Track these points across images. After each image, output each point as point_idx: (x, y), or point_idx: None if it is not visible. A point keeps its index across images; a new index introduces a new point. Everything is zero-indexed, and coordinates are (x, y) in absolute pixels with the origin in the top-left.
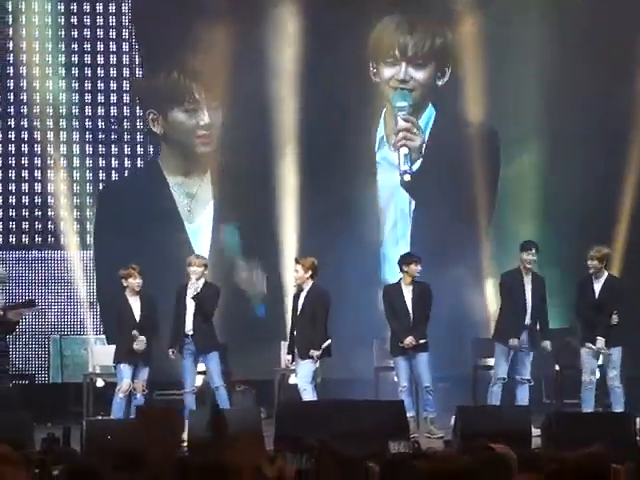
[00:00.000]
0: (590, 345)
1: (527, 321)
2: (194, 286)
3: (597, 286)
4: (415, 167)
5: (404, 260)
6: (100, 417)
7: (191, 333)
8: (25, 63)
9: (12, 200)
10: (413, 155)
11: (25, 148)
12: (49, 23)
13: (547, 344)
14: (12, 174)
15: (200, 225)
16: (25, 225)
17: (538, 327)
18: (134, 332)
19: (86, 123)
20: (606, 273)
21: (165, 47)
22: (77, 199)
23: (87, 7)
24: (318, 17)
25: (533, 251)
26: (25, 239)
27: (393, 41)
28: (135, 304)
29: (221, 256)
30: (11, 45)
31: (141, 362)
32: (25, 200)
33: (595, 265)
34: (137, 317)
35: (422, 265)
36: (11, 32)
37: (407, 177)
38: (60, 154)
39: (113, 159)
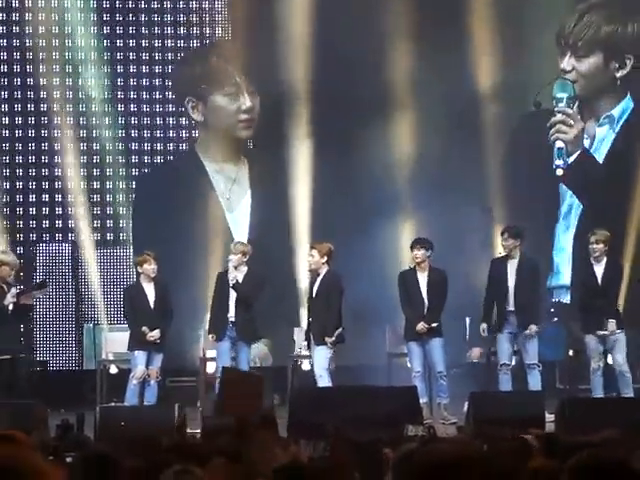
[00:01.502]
0: (599, 332)
1: (510, 306)
2: (232, 274)
3: (599, 270)
4: (571, 160)
5: (410, 245)
6: (114, 404)
7: (233, 320)
8: (54, 46)
9: (43, 197)
10: (569, 148)
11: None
12: (81, 6)
13: (532, 328)
14: (45, 172)
15: (240, 212)
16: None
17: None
18: (144, 328)
19: (119, 108)
20: (605, 258)
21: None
22: (110, 184)
23: None
24: None
25: (505, 236)
26: (49, 234)
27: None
28: (150, 290)
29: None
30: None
31: (155, 349)
32: (46, 197)
33: (600, 249)
34: (152, 304)
35: (432, 250)
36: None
37: (559, 171)
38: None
39: (146, 144)
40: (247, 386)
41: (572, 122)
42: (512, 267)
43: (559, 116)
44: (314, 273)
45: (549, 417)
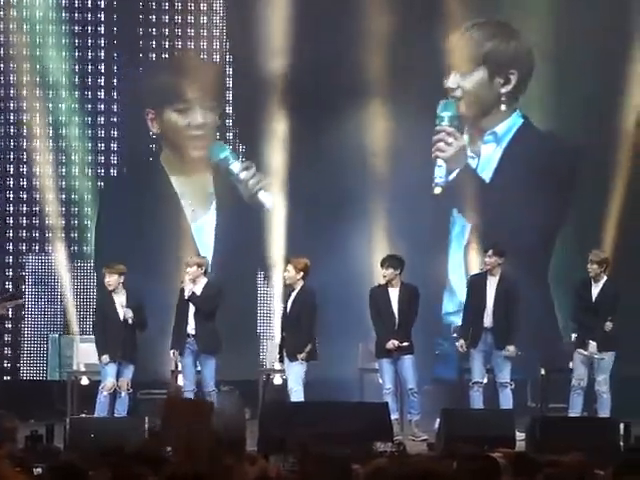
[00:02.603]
0: (582, 351)
1: (487, 323)
2: (188, 287)
3: (595, 290)
4: (452, 177)
5: (380, 263)
6: (84, 415)
7: (193, 333)
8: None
9: (10, 209)
10: (450, 165)
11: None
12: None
13: (510, 349)
14: (11, 182)
15: (203, 226)
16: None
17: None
18: (125, 309)
19: (86, 119)
20: (604, 278)
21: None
22: (75, 196)
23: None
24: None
25: (489, 253)
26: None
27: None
28: (119, 302)
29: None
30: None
31: (125, 360)
32: (19, 208)
33: (595, 269)
34: (121, 315)
35: (401, 268)
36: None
37: (437, 189)
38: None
39: (113, 156)
40: (193, 415)
41: (451, 140)
42: (492, 285)
43: (439, 135)
44: (289, 288)
45: (520, 436)
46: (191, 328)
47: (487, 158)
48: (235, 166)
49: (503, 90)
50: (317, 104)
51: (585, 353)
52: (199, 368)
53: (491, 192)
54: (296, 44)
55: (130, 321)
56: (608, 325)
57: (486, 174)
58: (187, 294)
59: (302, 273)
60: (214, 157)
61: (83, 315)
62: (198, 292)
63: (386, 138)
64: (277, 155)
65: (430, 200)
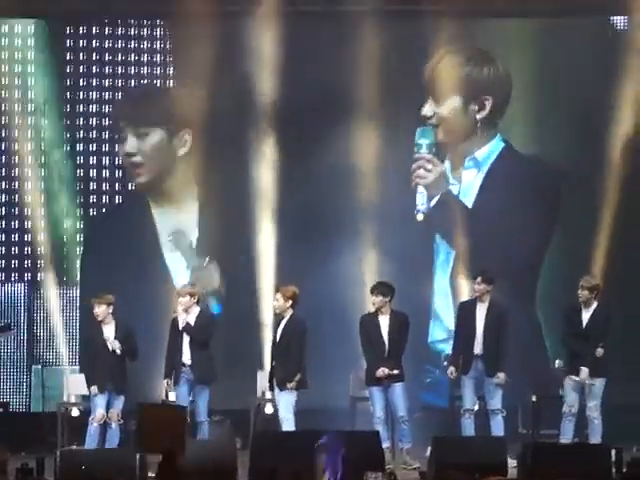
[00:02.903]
0: (573, 377)
1: (477, 350)
2: (182, 317)
3: (585, 316)
4: (433, 203)
5: (370, 290)
6: (74, 447)
7: (189, 363)
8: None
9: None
10: (431, 191)
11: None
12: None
13: (500, 376)
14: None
15: (181, 255)
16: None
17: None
18: (112, 341)
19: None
20: (595, 303)
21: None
22: (65, 225)
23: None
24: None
25: (478, 280)
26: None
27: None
28: (109, 332)
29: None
30: None
31: (115, 391)
32: (4, 237)
33: (585, 295)
34: (109, 346)
35: (392, 295)
36: None
37: (420, 216)
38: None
39: (104, 183)
40: (168, 422)
41: (430, 166)
42: (481, 312)
43: (418, 162)
44: (278, 317)
45: (512, 462)
46: (186, 358)
47: (468, 184)
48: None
49: (478, 116)
50: (304, 127)
51: (577, 379)
52: (191, 398)
53: (474, 217)
54: (284, 67)
55: (118, 352)
56: (599, 351)
57: (468, 200)
58: (181, 324)
59: (291, 301)
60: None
61: (72, 346)
62: (192, 322)
63: (373, 159)
64: (266, 177)
65: (416, 225)
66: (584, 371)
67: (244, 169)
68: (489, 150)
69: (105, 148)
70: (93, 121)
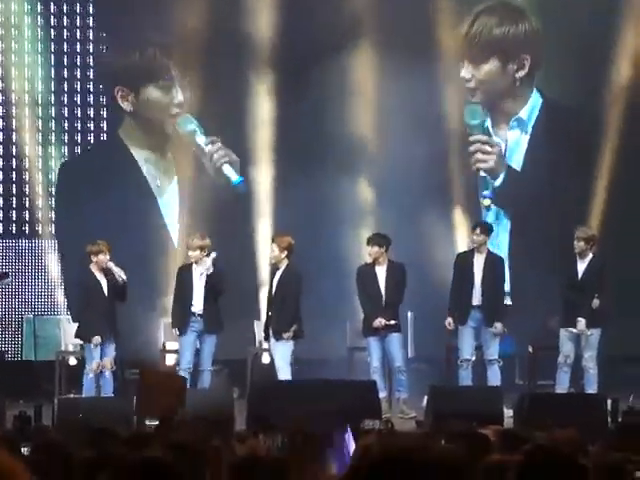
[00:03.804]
0: (571, 329)
1: (476, 301)
2: (198, 269)
3: (581, 267)
4: (498, 183)
5: (366, 241)
6: (72, 395)
7: (200, 312)
8: None
9: None
10: (492, 174)
11: None
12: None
13: (497, 326)
14: None
15: (169, 200)
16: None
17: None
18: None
19: (52, 100)
20: (590, 254)
21: (136, 24)
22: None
23: None
24: None
25: (477, 231)
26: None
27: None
28: (103, 280)
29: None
30: None
31: (108, 339)
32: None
33: (581, 246)
34: (106, 292)
35: (387, 246)
36: None
37: (486, 202)
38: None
39: (77, 135)
40: (166, 387)
41: (489, 148)
42: (479, 262)
43: (475, 145)
44: (274, 267)
45: (508, 412)
46: (197, 307)
47: (514, 144)
48: (200, 139)
49: (517, 75)
50: (304, 63)
51: (574, 331)
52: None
53: (524, 179)
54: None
55: (124, 277)
56: (595, 302)
57: (516, 161)
58: (201, 274)
59: (286, 252)
60: (181, 129)
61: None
62: (208, 272)
63: (378, 93)
64: (262, 119)
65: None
66: (581, 322)
67: (241, 111)
68: (531, 106)
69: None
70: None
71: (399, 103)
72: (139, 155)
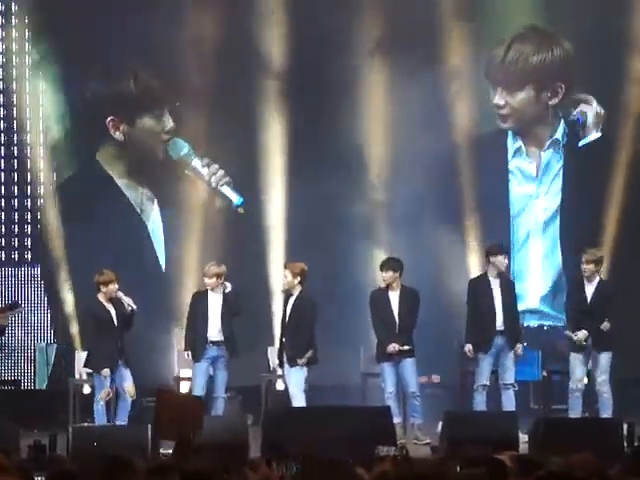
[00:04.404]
0: (569, 333)
1: (499, 326)
2: (219, 293)
3: (589, 290)
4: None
5: (379, 266)
6: (86, 424)
7: (215, 340)
8: None
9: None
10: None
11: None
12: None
13: (519, 347)
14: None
15: (153, 225)
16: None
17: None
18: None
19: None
20: (598, 277)
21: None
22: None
23: None
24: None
25: (503, 255)
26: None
27: (494, 62)
28: (112, 309)
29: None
30: None
31: (119, 367)
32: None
33: (590, 269)
34: (116, 322)
35: (401, 270)
36: None
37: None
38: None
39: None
40: (184, 409)
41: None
42: (496, 286)
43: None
44: (287, 293)
45: (523, 437)
46: (213, 334)
47: (550, 166)
48: (196, 162)
49: (551, 102)
50: (316, 94)
51: (573, 337)
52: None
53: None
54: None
55: (134, 307)
56: (605, 325)
57: (552, 181)
58: (219, 301)
59: (299, 278)
60: (174, 153)
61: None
62: (223, 299)
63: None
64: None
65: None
66: (582, 332)
67: (252, 137)
68: (562, 130)
69: None
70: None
71: (411, 130)
72: (120, 182)
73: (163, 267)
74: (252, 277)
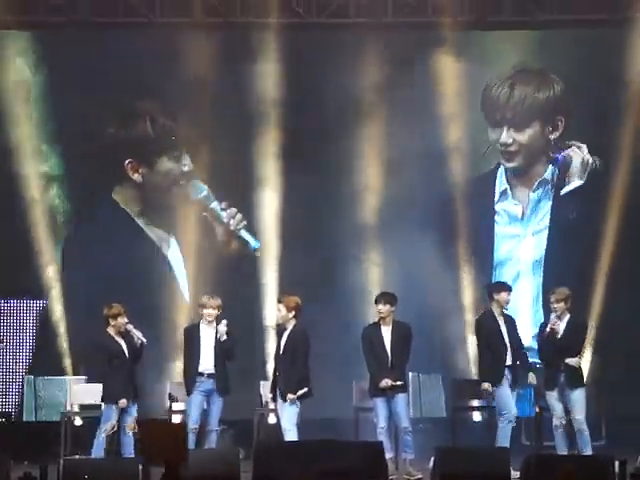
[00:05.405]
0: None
1: (509, 361)
2: (214, 328)
3: (560, 326)
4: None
5: (375, 300)
6: (77, 456)
7: (209, 372)
8: None
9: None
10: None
11: None
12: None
13: (532, 377)
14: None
15: (174, 261)
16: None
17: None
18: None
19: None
20: (568, 314)
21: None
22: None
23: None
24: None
25: (506, 292)
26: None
27: (499, 101)
28: (122, 342)
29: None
30: None
31: (133, 400)
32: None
33: (561, 307)
34: (127, 354)
35: (396, 304)
36: None
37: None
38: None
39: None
40: (166, 433)
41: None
42: (502, 322)
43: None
44: (281, 327)
45: (514, 474)
46: (205, 367)
47: (538, 205)
48: (215, 205)
49: (552, 137)
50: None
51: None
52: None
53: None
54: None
55: (139, 343)
56: (577, 361)
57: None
58: (212, 333)
59: (294, 312)
60: (194, 196)
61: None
62: (223, 332)
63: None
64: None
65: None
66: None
67: (246, 174)
68: (552, 170)
69: None
70: None
71: (409, 172)
72: (139, 221)
73: (187, 298)
74: (244, 312)
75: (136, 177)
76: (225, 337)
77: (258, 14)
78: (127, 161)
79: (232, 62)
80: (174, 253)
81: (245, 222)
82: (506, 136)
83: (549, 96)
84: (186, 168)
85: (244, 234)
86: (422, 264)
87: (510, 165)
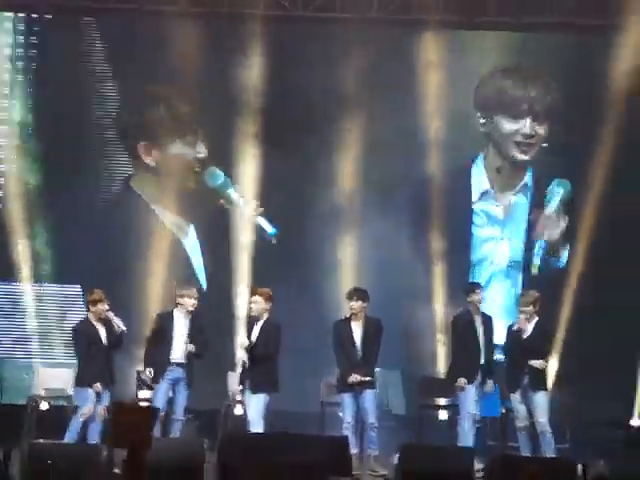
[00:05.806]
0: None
1: (482, 361)
2: (184, 315)
3: (528, 328)
4: (562, 258)
5: (347, 295)
6: (42, 440)
7: (179, 362)
8: None
9: None
10: (554, 246)
11: None
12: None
13: (489, 383)
14: None
15: (190, 244)
16: None
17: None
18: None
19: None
20: (536, 317)
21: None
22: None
23: None
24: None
25: (478, 290)
26: None
27: (517, 94)
28: (101, 328)
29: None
30: None
31: (107, 386)
32: None
33: (530, 310)
34: (104, 341)
35: (368, 301)
36: None
37: (534, 269)
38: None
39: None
40: (136, 419)
41: (560, 224)
42: (479, 322)
43: (547, 219)
44: (253, 319)
45: (478, 474)
46: (177, 356)
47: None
48: (233, 192)
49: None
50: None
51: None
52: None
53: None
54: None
55: (119, 331)
56: (541, 363)
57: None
58: (185, 322)
59: (270, 303)
60: (211, 183)
61: (43, 339)
62: (198, 323)
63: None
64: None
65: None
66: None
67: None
68: (530, 174)
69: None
70: None
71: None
72: (154, 207)
73: (205, 286)
74: (214, 302)
75: (149, 161)
76: (197, 324)
77: (244, 5)
78: (140, 143)
79: (218, 50)
80: (191, 240)
81: (261, 210)
82: (528, 127)
83: (563, 91)
84: (201, 155)
85: (260, 221)
86: (397, 251)
87: (523, 158)
